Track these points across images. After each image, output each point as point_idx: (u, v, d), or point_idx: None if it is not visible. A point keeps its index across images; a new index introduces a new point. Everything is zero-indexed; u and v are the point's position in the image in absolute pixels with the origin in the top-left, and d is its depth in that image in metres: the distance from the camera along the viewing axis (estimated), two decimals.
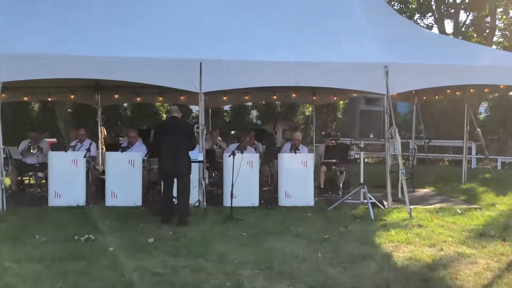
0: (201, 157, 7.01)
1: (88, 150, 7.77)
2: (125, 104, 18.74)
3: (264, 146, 10.01)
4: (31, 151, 9.02)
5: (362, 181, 7.57)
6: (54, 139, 12.13)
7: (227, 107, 20.52)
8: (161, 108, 19.28)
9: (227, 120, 19.77)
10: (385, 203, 7.80)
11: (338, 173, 9.26)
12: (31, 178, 9.27)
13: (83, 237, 5.44)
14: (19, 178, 9.25)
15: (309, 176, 8.02)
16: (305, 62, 7.53)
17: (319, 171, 9.38)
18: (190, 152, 6.82)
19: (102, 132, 13.03)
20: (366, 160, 17.25)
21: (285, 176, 7.98)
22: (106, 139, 12.82)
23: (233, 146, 8.46)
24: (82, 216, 6.79)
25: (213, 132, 10.34)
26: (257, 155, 8.15)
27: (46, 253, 4.90)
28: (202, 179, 7.38)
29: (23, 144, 9.32)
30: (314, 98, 13.08)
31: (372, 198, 7.52)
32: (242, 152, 8.05)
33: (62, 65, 7.10)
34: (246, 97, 12.97)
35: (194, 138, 6.75)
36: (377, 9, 8.94)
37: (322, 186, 9.35)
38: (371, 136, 7.27)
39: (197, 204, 7.41)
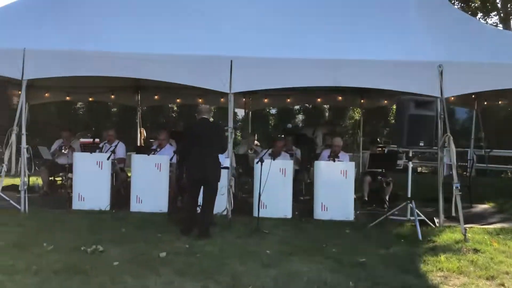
0: (227, 162, 6.42)
1: (113, 152, 7.39)
2: (175, 108, 18.62)
3: (303, 152, 9.30)
4: (63, 151, 8.82)
5: (409, 195, 6.68)
6: (97, 139, 11.99)
7: (273, 111, 19.97)
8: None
9: (272, 124, 19.18)
10: (436, 220, 6.87)
11: (384, 184, 8.38)
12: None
13: (90, 248, 4.98)
14: (51, 178, 9.09)
15: (349, 187, 7.23)
16: (346, 59, 6.77)
17: (363, 181, 8.55)
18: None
19: (142, 133, 12.80)
20: (419, 169, 16.08)
21: (322, 186, 7.23)
22: (145, 141, 12.53)
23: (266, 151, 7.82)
24: (101, 222, 6.38)
25: (249, 136, 9.75)
26: (291, 162, 7.44)
27: (47, 264, 4.48)
28: (229, 186, 6.78)
29: (56, 144, 9.15)
30: (362, 101, 12.22)
31: (420, 214, 6.63)
32: (274, 158, 7.40)
33: (84, 62, 6.78)
34: (288, 100, 12.28)
35: (226, 141, 6.14)
36: (430, 1, 7.98)
37: (366, 198, 8.52)
38: (421, 144, 6.38)
39: (224, 212, 6.83)
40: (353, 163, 7.48)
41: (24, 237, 5.45)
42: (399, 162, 8.70)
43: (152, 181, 7.28)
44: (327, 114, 19.26)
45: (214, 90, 6.95)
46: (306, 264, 4.79)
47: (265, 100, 12.34)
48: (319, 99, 12.36)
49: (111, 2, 7.65)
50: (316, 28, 7.24)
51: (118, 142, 8.07)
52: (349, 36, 7.10)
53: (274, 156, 7.57)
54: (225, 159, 6.43)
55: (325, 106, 18.85)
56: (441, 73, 6.65)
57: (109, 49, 6.83)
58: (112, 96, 12.30)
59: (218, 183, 5.99)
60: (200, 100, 12.26)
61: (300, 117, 19.64)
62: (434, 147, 6.85)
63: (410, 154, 6.69)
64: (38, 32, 7.07)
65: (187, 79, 6.85)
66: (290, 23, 7.35)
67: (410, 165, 6.71)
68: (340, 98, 12.07)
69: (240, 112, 16.16)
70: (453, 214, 6.97)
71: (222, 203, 6.78)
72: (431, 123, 6.37)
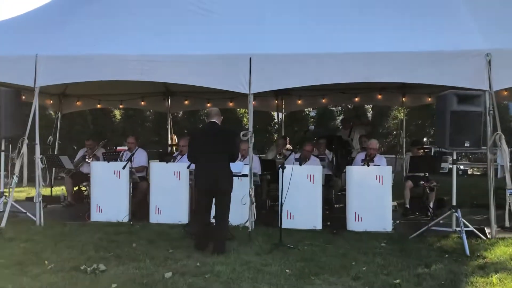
0: (246, 170, 5.84)
1: (130, 160, 7.00)
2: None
3: (338, 156, 8.60)
4: (87, 160, 8.58)
5: (454, 202, 5.86)
6: (119, 147, 11.73)
7: (312, 113, 19.27)
8: (246, 114, 18.48)
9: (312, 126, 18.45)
10: (487, 231, 6.01)
11: (427, 190, 7.54)
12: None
13: (91, 267, 4.54)
14: (75, 188, 8.87)
15: (386, 194, 6.48)
16: (378, 52, 6.06)
17: (404, 187, 7.76)
18: (233, 164, 5.72)
19: (173, 139, 12.48)
20: (469, 171, 14.89)
21: (355, 194, 6.53)
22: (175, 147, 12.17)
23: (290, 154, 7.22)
24: (114, 236, 5.97)
25: (278, 140, 9.16)
26: (320, 167, 6.76)
27: (39, 287, 4.08)
28: (250, 195, 6.21)
29: (80, 153, 8.94)
30: (404, 99, 11.32)
31: (468, 225, 5.80)
32: (301, 164, 6.78)
33: (97, 67, 6.45)
34: (324, 100, 11.56)
35: (236, 147, 5.51)
36: None
37: (408, 206, 7.72)
38: (467, 144, 5.57)
39: (247, 223, 6.27)
40: (390, 167, 6.71)
41: (29, 254, 5.11)
42: (443, 165, 7.81)
43: (171, 191, 6.86)
44: (370, 114, 18.35)
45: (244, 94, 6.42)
46: (329, 287, 4.14)
47: (299, 101, 11.67)
48: (357, 99, 11.53)
49: (121, 4, 7.28)
50: (343, 19, 6.56)
51: (137, 149, 7.70)
52: (382, 26, 6.37)
53: (301, 160, 6.96)
54: (243, 166, 5.87)
55: (367, 106, 17.99)
56: (490, 63, 5.81)
57: (122, 52, 6.47)
58: (143, 103, 12.04)
59: (231, 193, 5.40)
60: (231, 103, 11.80)
61: (340, 118, 18.84)
62: (483, 147, 5.99)
63: (455, 156, 5.86)
64: (50, 38, 6.81)
65: (203, 80, 6.36)
66: (313, 15, 6.71)
67: (455, 168, 5.87)
68: (379, 96, 11.23)
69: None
70: (507, 224, 6.06)
71: (244, 214, 6.25)
72: (477, 121, 5.54)
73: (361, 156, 7.36)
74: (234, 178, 5.51)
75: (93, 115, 16.19)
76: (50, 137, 11.16)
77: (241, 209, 6.22)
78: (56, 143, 11.06)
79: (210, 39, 6.46)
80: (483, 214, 6.94)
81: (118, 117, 17.36)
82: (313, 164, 7.14)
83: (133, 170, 7.24)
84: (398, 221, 6.97)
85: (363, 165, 6.86)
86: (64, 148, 11.99)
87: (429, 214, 7.35)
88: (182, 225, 6.60)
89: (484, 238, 5.86)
